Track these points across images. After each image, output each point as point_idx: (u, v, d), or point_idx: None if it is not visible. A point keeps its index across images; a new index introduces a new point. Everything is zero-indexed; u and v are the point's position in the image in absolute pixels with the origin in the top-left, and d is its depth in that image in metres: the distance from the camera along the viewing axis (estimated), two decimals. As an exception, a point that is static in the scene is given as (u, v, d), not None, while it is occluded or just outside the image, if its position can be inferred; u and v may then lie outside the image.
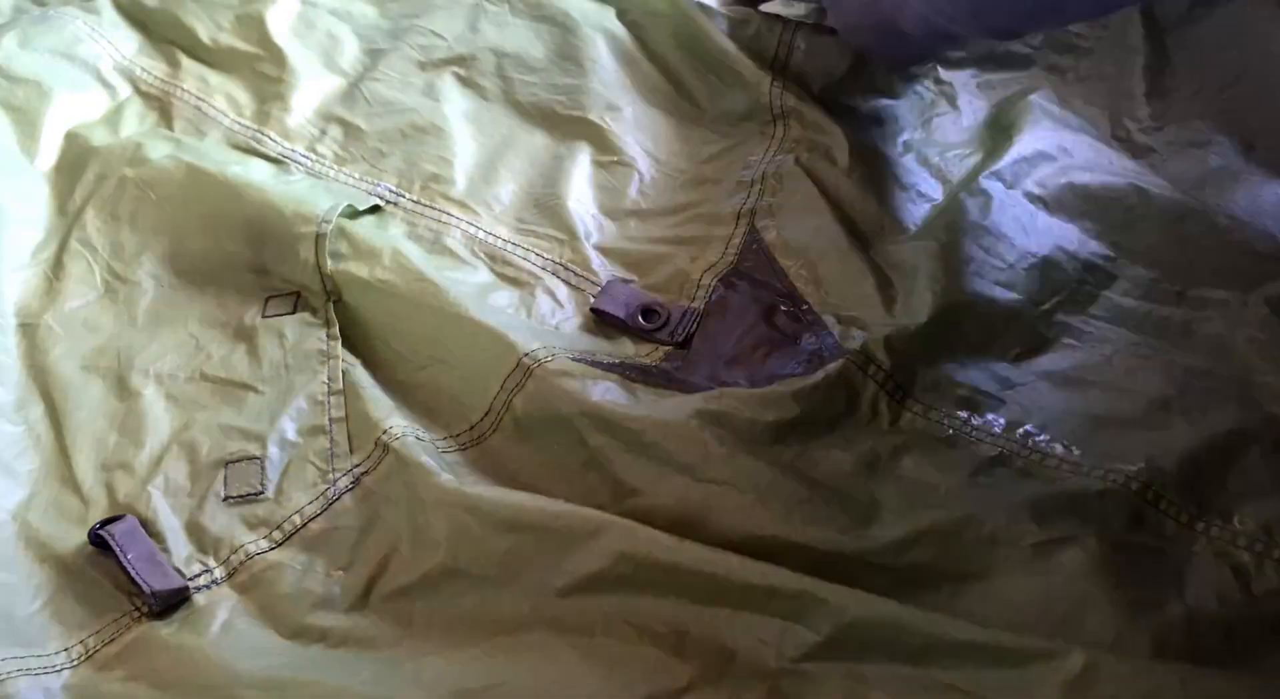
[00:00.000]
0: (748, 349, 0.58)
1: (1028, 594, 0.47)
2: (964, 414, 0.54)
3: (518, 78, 0.72)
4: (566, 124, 0.70)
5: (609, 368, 0.57)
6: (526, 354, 0.56)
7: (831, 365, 0.54)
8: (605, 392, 0.55)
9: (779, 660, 0.45)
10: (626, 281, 0.63)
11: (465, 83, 0.72)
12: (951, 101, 0.69)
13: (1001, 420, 0.54)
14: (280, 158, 0.69)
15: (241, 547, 0.54)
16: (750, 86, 0.69)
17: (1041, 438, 0.53)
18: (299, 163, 0.69)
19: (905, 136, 0.68)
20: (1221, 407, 0.53)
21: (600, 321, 0.61)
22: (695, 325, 0.60)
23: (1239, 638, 0.46)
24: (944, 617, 0.45)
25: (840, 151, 0.65)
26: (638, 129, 0.69)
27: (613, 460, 0.53)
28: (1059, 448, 0.52)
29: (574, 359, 0.57)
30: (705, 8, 0.71)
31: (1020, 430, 0.53)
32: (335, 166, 0.69)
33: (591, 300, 0.61)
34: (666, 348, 0.60)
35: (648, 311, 0.60)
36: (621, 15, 0.73)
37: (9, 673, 0.48)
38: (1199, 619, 0.46)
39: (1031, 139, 0.65)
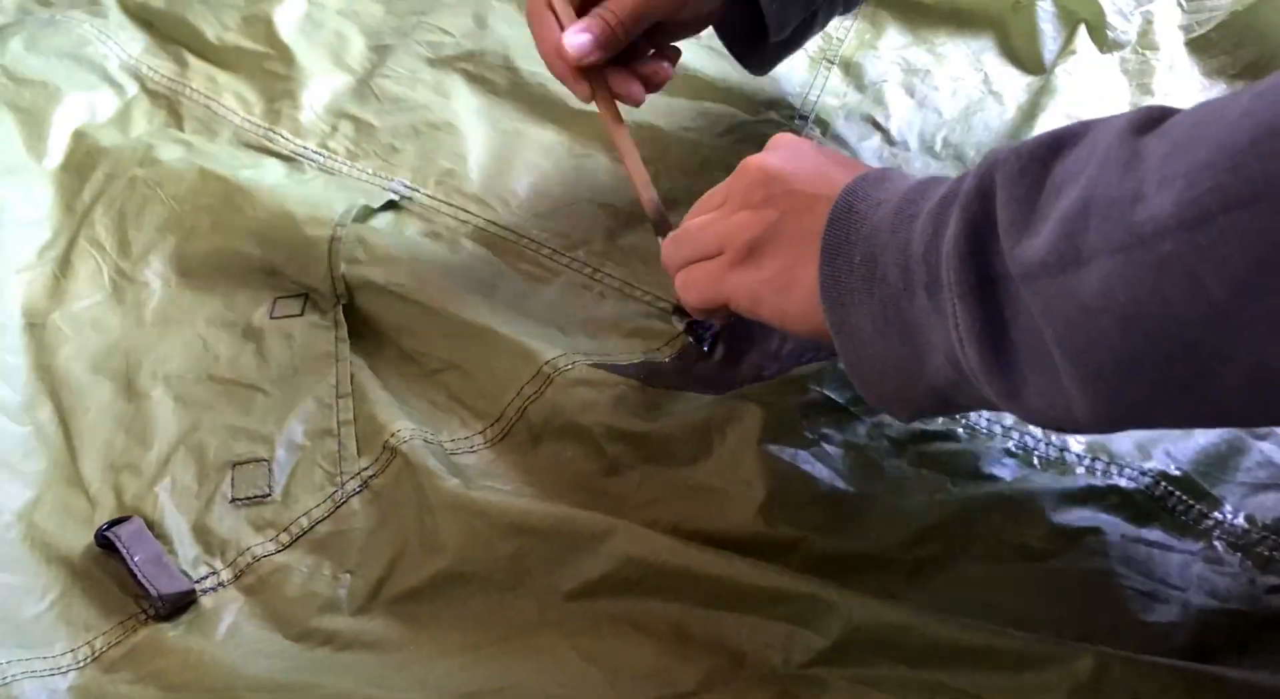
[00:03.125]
0: (767, 340, 0.57)
1: (1035, 591, 0.47)
2: (976, 407, 0.53)
3: (527, 72, 0.71)
4: (580, 119, 0.69)
5: (626, 370, 0.56)
6: (547, 362, 0.56)
7: None
8: (621, 398, 0.54)
9: (786, 665, 0.45)
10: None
11: (474, 79, 0.72)
12: (999, 98, 0.69)
13: (1012, 414, 0.53)
14: (292, 155, 0.69)
15: (248, 549, 0.54)
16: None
17: (1051, 432, 0.52)
18: (311, 159, 0.69)
19: (944, 134, 0.67)
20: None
21: (627, 312, 0.60)
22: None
23: (1248, 636, 0.45)
24: (953, 620, 0.44)
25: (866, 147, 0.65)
26: (653, 116, 0.68)
27: (625, 466, 0.53)
28: (1069, 443, 0.52)
29: (593, 365, 0.56)
30: None
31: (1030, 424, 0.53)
32: (348, 162, 0.69)
33: (608, 293, 0.61)
34: (685, 338, 0.59)
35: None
36: None
37: (15, 675, 0.48)
38: (1207, 617, 0.45)
39: (1050, 126, 0.63)
